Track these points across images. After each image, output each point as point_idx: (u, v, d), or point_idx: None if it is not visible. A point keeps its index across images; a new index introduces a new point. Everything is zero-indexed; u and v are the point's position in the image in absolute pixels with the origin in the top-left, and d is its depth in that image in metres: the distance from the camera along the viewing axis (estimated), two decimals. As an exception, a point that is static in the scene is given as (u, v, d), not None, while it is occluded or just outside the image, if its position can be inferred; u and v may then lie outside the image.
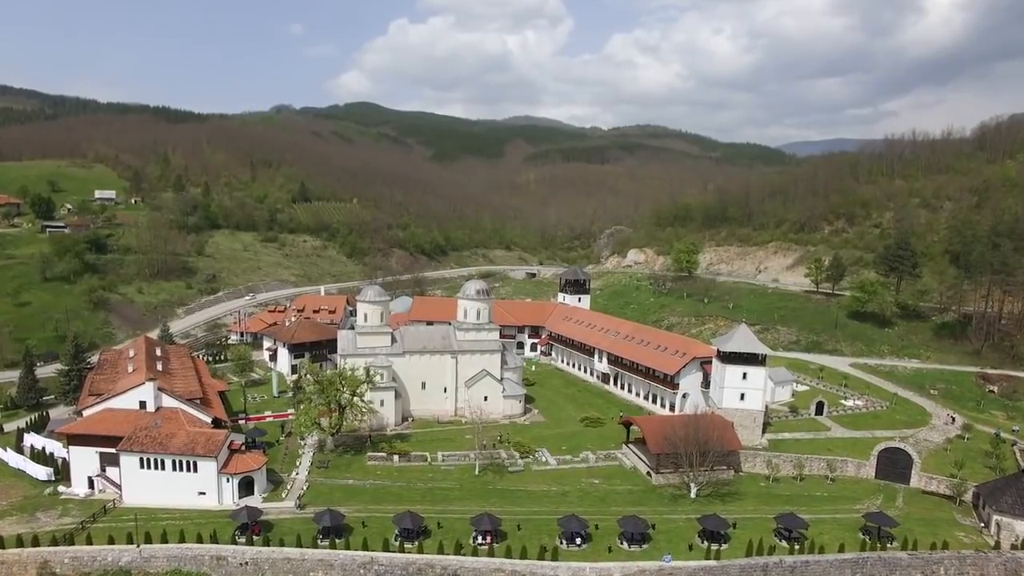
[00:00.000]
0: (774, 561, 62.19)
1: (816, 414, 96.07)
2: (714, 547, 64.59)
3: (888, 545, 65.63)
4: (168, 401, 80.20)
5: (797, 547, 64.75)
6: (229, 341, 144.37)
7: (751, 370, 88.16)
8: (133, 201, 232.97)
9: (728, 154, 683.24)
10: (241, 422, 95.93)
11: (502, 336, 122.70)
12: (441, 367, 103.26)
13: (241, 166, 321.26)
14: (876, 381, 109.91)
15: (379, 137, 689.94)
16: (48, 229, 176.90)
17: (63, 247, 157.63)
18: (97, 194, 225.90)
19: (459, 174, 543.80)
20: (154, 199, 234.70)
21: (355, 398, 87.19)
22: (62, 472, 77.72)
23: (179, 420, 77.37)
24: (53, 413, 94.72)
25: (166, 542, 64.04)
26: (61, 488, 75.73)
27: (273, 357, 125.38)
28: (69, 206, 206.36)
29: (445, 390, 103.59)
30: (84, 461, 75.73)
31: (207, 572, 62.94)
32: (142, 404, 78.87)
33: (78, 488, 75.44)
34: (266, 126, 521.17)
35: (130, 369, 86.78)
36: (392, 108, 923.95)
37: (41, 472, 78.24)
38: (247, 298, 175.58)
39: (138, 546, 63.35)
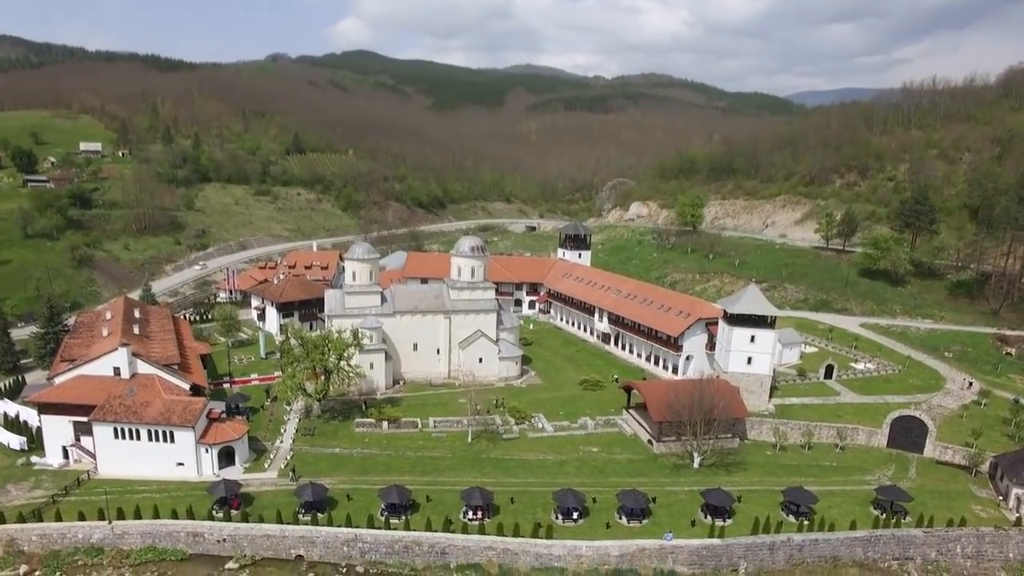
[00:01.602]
0: (781, 539, 58.77)
1: (825, 378, 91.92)
2: (718, 523, 61.16)
3: (902, 521, 62.11)
4: (144, 367, 76.05)
5: (806, 523, 61.31)
6: (218, 299, 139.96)
7: (760, 333, 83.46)
8: (120, 154, 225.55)
9: (734, 103, 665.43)
10: (226, 386, 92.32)
11: (499, 293, 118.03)
12: (434, 328, 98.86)
13: (233, 117, 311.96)
14: (888, 343, 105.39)
15: (377, 86, 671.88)
16: (30, 183, 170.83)
17: (45, 202, 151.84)
18: (82, 146, 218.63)
19: (459, 124, 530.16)
20: (142, 151, 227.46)
21: (341, 362, 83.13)
22: (36, 441, 74.29)
23: (155, 387, 73.30)
24: (30, 378, 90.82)
25: (139, 518, 60.80)
26: (34, 458, 72.28)
27: (261, 316, 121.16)
28: (52, 159, 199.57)
29: (438, 352, 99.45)
30: (57, 430, 72.04)
31: (183, 549, 59.94)
32: (116, 371, 74.78)
33: (52, 458, 72.00)
34: (260, 75, 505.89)
35: (105, 333, 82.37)
36: (391, 56, 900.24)
37: (14, 441, 74.80)
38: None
39: (110, 522, 60.12)
